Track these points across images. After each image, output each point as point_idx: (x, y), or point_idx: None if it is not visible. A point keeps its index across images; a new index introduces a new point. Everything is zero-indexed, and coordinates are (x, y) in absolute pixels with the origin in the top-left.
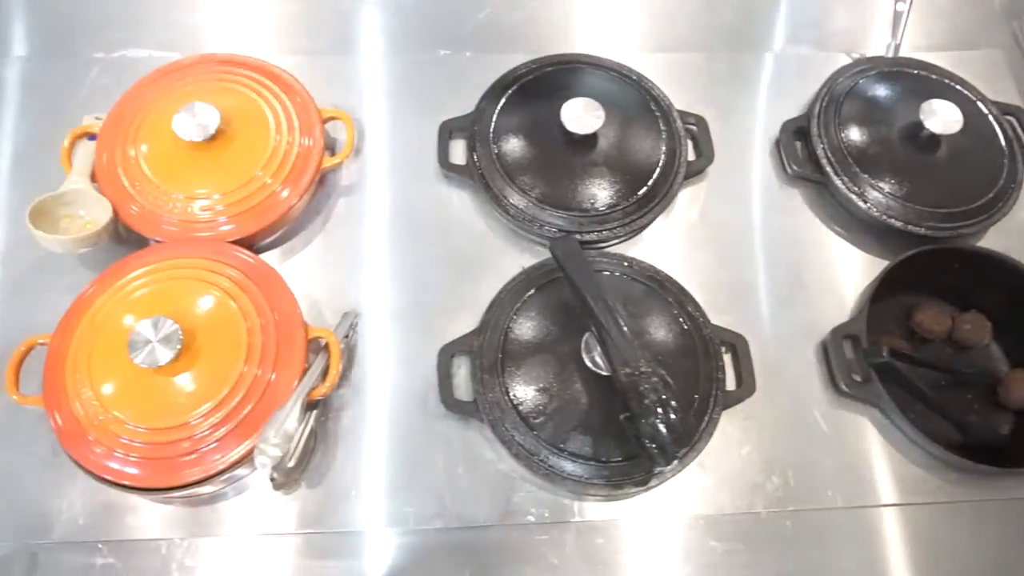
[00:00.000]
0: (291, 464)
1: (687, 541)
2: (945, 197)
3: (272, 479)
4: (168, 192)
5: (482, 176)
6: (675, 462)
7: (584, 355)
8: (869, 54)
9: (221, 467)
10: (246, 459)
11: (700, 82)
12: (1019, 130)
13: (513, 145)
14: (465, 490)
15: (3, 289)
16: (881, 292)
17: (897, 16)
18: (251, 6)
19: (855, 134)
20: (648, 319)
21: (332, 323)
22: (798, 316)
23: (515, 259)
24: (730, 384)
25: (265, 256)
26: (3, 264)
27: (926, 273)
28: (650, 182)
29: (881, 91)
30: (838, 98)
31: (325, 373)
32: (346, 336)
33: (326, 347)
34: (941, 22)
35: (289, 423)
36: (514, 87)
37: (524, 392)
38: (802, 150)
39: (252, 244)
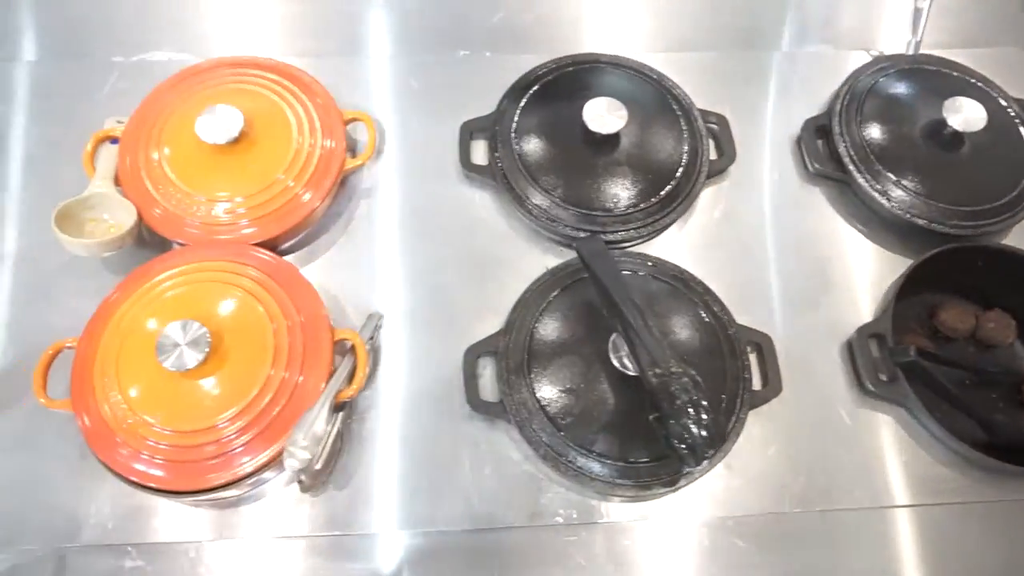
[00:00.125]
0: (318, 466)
1: (714, 542)
2: (968, 195)
3: (300, 482)
4: (191, 195)
5: (504, 176)
6: (704, 462)
7: (612, 356)
8: (888, 51)
9: (249, 470)
10: (274, 462)
11: (718, 81)
12: None
13: (535, 145)
14: (492, 491)
15: (28, 293)
16: (904, 291)
17: (917, 13)
18: (268, 8)
19: (877, 132)
20: (673, 319)
21: (356, 325)
22: (821, 315)
23: (538, 259)
24: (756, 384)
25: (287, 259)
26: (27, 268)
27: (950, 271)
28: (673, 182)
29: (902, 88)
30: (859, 96)
31: (351, 375)
32: (371, 338)
33: (352, 349)
34: (960, 19)
35: (318, 426)
36: (535, 87)
37: (551, 393)
38: (823, 148)
39: (275, 247)
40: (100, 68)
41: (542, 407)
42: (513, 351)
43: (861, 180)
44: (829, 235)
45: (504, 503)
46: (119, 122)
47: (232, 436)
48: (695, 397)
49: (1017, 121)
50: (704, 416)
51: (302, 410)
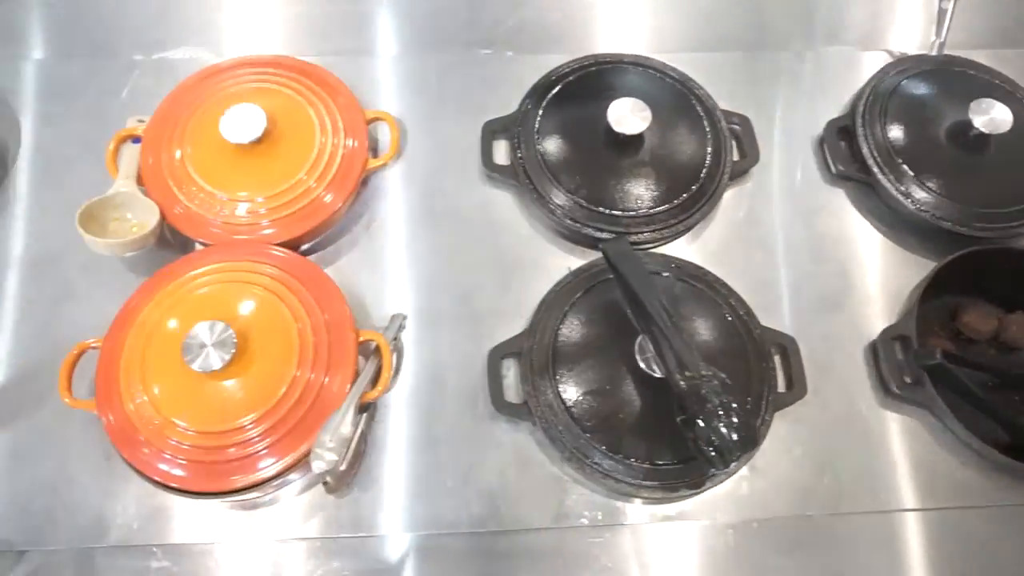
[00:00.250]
0: (343, 468)
1: (739, 544)
2: (992, 197)
3: (325, 483)
4: (214, 194)
5: (527, 177)
6: (732, 465)
7: (638, 358)
8: (910, 52)
9: (273, 472)
10: (299, 464)
11: (740, 82)
12: None
13: (557, 145)
14: (517, 493)
15: (51, 293)
16: (928, 293)
17: (941, 14)
18: (289, 7)
19: (901, 133)
20: (698, 321)
21: (378, 326)
22: (845, 317)
23: (561, 260)
24: (780, 386)
25: (310, 259)
26: (50, 268)
27: (974, 274)
28: (696, 183)
29: (926, 89)
30: (883, 96)
31: (376, 377)
32: (395, 338)
33: (376, 350)
34: (983, 20)
35: (344, 427)
36: (557, 87)
37: (576, 394)
38: (846, 149)
39: (296, 247)
40: (121, 66)
41: (567, 408)
42: (537, 353)
43: (885, 181)
44: (852, 237)
45: (529, 504)
46: (141, 121)
47: (257, 438)
48: (726, 400)
49: None
50: (735, 419)
51: (327, 412)
